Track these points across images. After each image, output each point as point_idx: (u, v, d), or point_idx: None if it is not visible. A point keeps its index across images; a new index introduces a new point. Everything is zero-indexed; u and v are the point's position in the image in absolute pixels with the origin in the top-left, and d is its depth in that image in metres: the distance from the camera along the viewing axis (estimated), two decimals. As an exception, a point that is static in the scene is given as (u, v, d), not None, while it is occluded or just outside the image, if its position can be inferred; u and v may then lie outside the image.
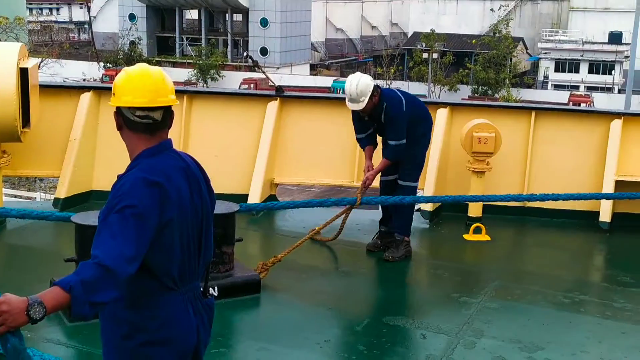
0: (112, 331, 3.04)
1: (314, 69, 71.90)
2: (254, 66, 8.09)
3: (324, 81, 58.62)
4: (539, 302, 6.27)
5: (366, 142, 7.07)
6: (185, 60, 65.38)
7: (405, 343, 5.54)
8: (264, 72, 8.25)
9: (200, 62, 60.06)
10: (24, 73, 7.05)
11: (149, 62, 62.22)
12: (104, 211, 2.86)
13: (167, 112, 3.06)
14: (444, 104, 8.65)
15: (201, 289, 3.18)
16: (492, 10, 68.07)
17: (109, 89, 9.14)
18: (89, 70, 60.10)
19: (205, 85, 58.12)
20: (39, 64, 7.58)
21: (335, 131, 8.60)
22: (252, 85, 52.30)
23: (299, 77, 61.02)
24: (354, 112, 6.92)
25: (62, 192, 7.93)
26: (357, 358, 5.13)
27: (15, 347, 2.55)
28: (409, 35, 73.28)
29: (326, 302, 6.12)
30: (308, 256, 6.93)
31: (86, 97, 8.22)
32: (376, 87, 6.80)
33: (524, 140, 8.56)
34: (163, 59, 67.19)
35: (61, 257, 5.79)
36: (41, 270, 6.26)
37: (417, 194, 7.33)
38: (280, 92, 8.30)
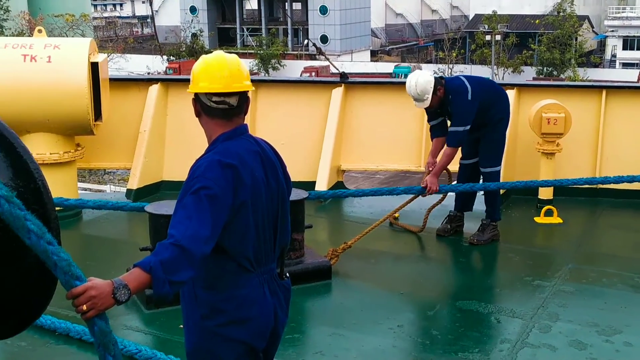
0: (192, 311, 3.12)
1: (375, 55, 71.60)
2: (318, 53, 8.12)
3: (385, 67, 58.36)
4: (615, 284, 6.13)
5: (437, 132, 6.96)
6: (246, 51, 65.83)
7: (479, 327, 5.47)
8: (328, 59, 8.25)
9: (261, 52, 60.46)
10: (94, 67, 7.21)
11: (210, 53, 63.36)
12: (180, 193, 2.94)
13: (243, 98, 3.12)
14: (511, 85, 8.50)
15: (277, 271, 3.22)
16: (555, -12, 66.55)
17: (177, 80, 9.40)
18: (152, 64, 61.06)
19: (266, 74, 58.46)
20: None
21: (401, 116, 8.56)
22: (313, 74, 52.41)
23: (359, 64, 60.87)
24: None
25: (134, 183, 8.10)
26: (431, 343, 5.10)
27: (102, 330, 2.62)
28: (470, 18, 72.23)
29: (398, 287, 6.10)
30: (376, 242, 6.92)
31: (154, 89, 8.36)
32: (438, 80, 6.69)
33: (594, 120, 8.36)
34: (225, 50, 67.58)
35: (136, 247, 5.91)
36: (118, 260, 6.41)
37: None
38: (344, 79, 8.30)
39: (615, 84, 9.29)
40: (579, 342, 5.05)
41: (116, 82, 8.26)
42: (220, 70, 3.07)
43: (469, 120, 6.66)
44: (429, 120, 7.03)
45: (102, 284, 2.61)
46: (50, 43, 7.05)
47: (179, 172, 8.45)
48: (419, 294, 6.12)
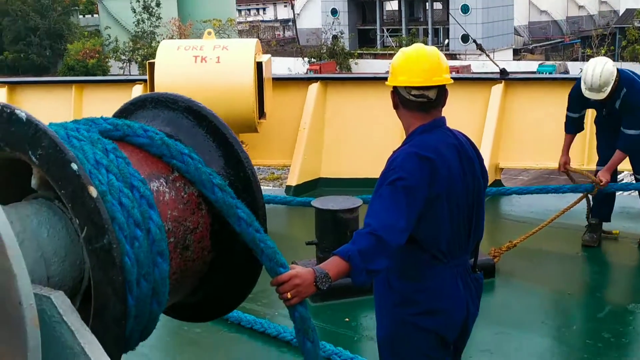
0: (385, 298, 3.18)
1: (517, 54, 69.76)
2: (479, 49, 8.01)
3: (528, 66, 56.71)
4: None
5: (572, 127, 6.58)
6: (386, 52, 65.87)
7: (655, 332, 5.26)
8: (488, 56, 8.15)
9: (401, 52, 60.23)
10: (259, 67, 7.45)
11: (351, 55, 63.76)
12: (377, 183, 3.00)
13: (442, 91, 3.13)
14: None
15: (470, 265, 3.22)
16: None
17: (335, 79, 9.55)
18: (294, 66, 62.30)
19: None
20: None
21: (560, 113, 8.28)
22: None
23: (502, 62, 59.31)
24: (578, 89, 6.39)
25: (293, 180, 8.31)
26: (604, 346, 4.94)
27: (303, 316, 2.69)
28: (621, 13, 69.02)
29: (564, 288, 5.94)
30: (538, 241, 6.71)
31: (314, 87, 8.54)
32: (618, 72, 6.22)
33: None
34: (364, 51, 68.23)
35: (298, 241, 6.04)
36: (283, 254, 6.56)
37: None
38: (505, 75, 8.15)
39: None
40: None
41: (278, 81, 8.50)
42: (420, 63, 3.10)
43: None
44: (570, 110, 6.56)
45: (305, 273, 2.70)
46: (219, 44, 7.37)
47: (336, 169, 8.59)
48: (587, 295, 5.94)
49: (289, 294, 2.65)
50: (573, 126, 6.62)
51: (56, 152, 2.01)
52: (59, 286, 2.06)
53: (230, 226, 2.52)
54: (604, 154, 6.61)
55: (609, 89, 6.13)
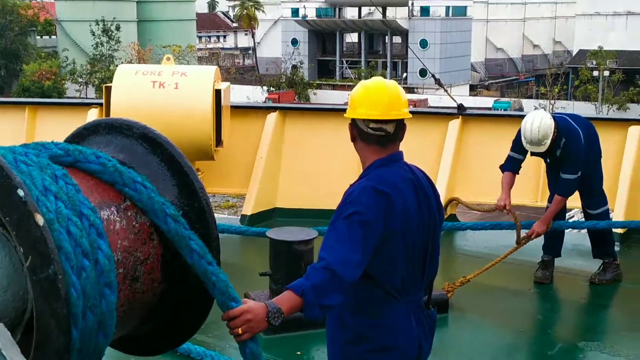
0: (337, 334, 3.14)
1: (474, 90, 70.92)
2: (437, 84, 8.08)
3: (484, 102, 57.67)
4: None
5: (511, 165, 6.56)
6: (345, 83, 66.39)
7: (605, 371, 5.29)
8: (446, 91, 8.22)
9: (360, 84, 60.77)
10: (217, 94, 7.41)
11: (310, 85, 64.10)
12: (333, 217, 2.97)
13: (400, 125, 3.12)
14: (636, 121, 8.23)
15: (424, 301, 3.20)
16: (666, 24, 64.48)
17: (294, 109, 9.54)
18: (252, 94, 62.39)
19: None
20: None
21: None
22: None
23: (458, 98, 59.93)
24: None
25: (248, 209, 8.24)
26: (555, 383, 4.95)
27: (254, 352, 2.64)
28: (574, 53, 70.72)
29: (517, 324, 5.96)
30: (492, 277, 6.74)
31: (272, 117, 8.51)
32: (554, 122, 6.28)
33: None
34: (323, 82, 68.68)
35: (251, 271, 5.97)
36: (235, 285, 6.48)
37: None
38: (462, 110, 8.23)
39: None
40: None
41: (236, 109, 8.46)
42: (380, 97, 3.09)
43: (581, 166, 6.31)
44: (513, 150, 6.56)
45: (257, 307, 2.64)
46: (178, 70, 7.31)
47: (292, 199, 8.55)
48: (539, 332, 5.96)
49: (240, 329, 2.59)
50: (512, 164, 6.58)
51: (2, 177, 1.94)
52: (0, 317, 1.98)
53: (183, 258, 2.46)
54: (555, 190, 6.69)
55: (548, 141, 6.22)
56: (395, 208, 2.96)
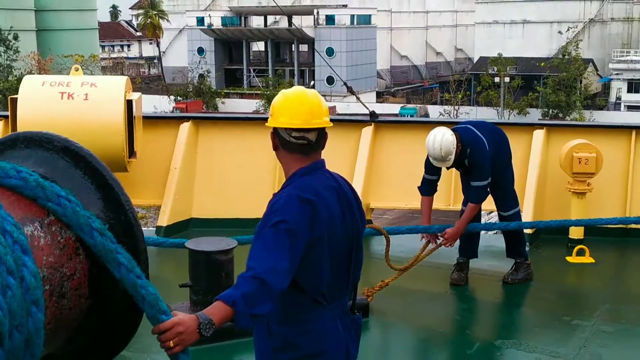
0: (265, 343, 3.13)
1: (380, 97, 72.11)
2: (349, 92, 8.16)
3: (391, 108, 58.69)
4: (656, 325, 6.08)
5: (427, 188, 6.69)
6: (252, 92, 66.38)
7: (522, 367, 5.44)
8: (358, 99, 8.30)
9: (268, 92, 60.87)
10: (129, 105, 7.27)
11: (218, 94, 63.64)
12: (259, 225, 2.96)
13: (321, 134, 3.14)
14: (540, 125, 8.54)
15: (349, 306, 3.22)
16: (560, 32, 67.26)
17: (207, 118, 9.45)
18: (159, 104, 61.55)
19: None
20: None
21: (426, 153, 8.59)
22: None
23: (366, 104, 61.10)
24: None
25: (164, 220, 8.11)
26: (476, 382, 5.07)
27: (185, 365, 2.60)
28: (475, 60, 72.90)
29: (436, 326, 6.07)
30: (410, 281, 6.86)
31: (185, 127, 8.41)
32: (456, 135, 6.41)
33: (624, 160, 8.37)
34: (231, 91, 68.41)
35: (170, 283, 5.87)
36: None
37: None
38: (374, 117, 8.34)
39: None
40: (627, 382, 5.01)
41: (148, 119, 8.32)
42: (302, 105, 3.09)
43: (489, 172, 6.50)
44: (427, 173, 6.69)
45: (188, 320, 2.60)
46: (88, 81, 7.13)
47: (208, 209, 8.47)
48: (458, 332, 6.09)
49: (171, 342, 2.54)
50: (428, 187, 6.72)
51: None
52: None
53: (110, 272, 2.40)
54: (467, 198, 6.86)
55: (452, 156, 6.38)
56: (320, 216, 2.98)
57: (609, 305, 6.47)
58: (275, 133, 3.14)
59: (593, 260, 7.57)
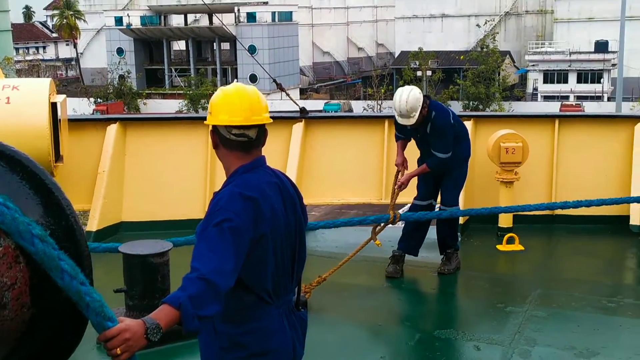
0: (212, 344, 3.08)
1: (304, 93, 72.20)
2: (279, 89, 8.13)
3: (315, 104, 58.79)
4: (585, 308, 6.27)
5: (401, 137, 6.98)
6: (175, 92, 65.52)
7: (460, 356, 5.54)
8: (289, 95, 8.29)
9: (190, 92, 60.20)
10: (54, 108, 7.06)
11: (139, 95, 62.55)
12: (201, 225, 2.90)
13: (261, 130, 3.11)
14: (467, 116, 8.69)
15: (294, 303, 3.22)
16: (477, 25, 68.75)
17: (135, 119, 9.26)
18: (79, 107, 60.09)
19: (196, 114, 58.09)
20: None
21: (360, 149, 8.64)
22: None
23: (290, 102, 61.01)
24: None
25: (93, 225, 7.92)
26: (418, 373, 5.12)
27: (133, 371, 2.54)
28: (396, 55, 73.79)
29: (375, 319, 6.11)
30: (346, 275, 6.88)
31: (112, 128, 8.24)
32: (425, 98, 6.62)
33: (549, 148, 8.61)
34: (153, 91, 67.38)
35: (104, 289, 5.71)
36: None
37: None
38: (304, 114, 8.34)
39: (567, 113, 9.57)
40: (562, 365, 5.15)
41: (74, 122, 8.10)
42: (241, 102, 3.05)
43: (451, 145, 6.64)
44: (398, 131, 6.95)
45: (134, 325, 2.54)
46: (9, 84, 6.89)
47: (139, 212, 8.31)
48: (397, 325, 6.14)
49: (118, 349, 2.47)
50: (401, 136, 6.99)
51: None
52: None
53: (53, 279, 2.32)
54: (423, 191, 7.04)
55: (417, 114, 6.51)
56: (263, 213, 2.95)
57: (540, 290, 6.64)
58: (215, 131, 3.09)
59: (523, 248, 7.75)
